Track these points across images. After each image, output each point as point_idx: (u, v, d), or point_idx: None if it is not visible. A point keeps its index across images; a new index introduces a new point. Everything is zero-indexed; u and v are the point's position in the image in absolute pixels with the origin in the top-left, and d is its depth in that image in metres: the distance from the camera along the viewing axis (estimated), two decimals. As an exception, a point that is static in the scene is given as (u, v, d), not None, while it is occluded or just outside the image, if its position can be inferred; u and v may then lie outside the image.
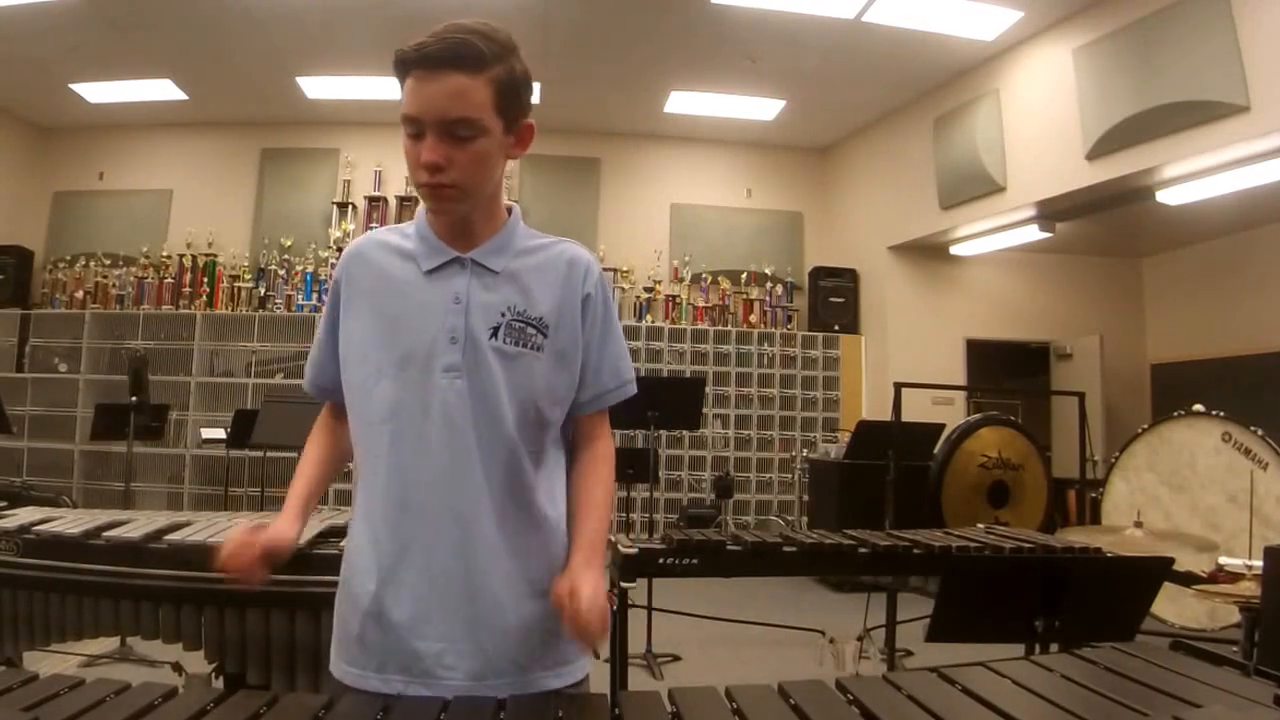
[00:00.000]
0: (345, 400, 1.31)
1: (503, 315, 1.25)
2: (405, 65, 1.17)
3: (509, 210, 1.34)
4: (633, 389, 1.38)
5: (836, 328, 8.06)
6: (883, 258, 7.84)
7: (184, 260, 7.77)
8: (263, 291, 7.71)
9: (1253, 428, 4.26)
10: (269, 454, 5.94)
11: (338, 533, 2.05)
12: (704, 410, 6.97)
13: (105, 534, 1.95)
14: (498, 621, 1.22)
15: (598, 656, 1.27)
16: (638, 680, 3.73)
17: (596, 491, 1.31)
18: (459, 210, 1.24)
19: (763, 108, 7.63)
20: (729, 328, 7.94)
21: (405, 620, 1.21)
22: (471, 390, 1.23)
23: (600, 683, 2.37)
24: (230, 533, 1.19)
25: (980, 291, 7.99)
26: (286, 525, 1.26)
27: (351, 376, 1.29)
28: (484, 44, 1.17)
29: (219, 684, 1.89)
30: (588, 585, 1.15)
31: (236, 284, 7.72)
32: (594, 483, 1.32)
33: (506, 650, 1.22)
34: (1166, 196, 5.64)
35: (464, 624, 1.21)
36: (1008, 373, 8.43)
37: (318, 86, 7.29)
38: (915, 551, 2.41)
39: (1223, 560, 2.91)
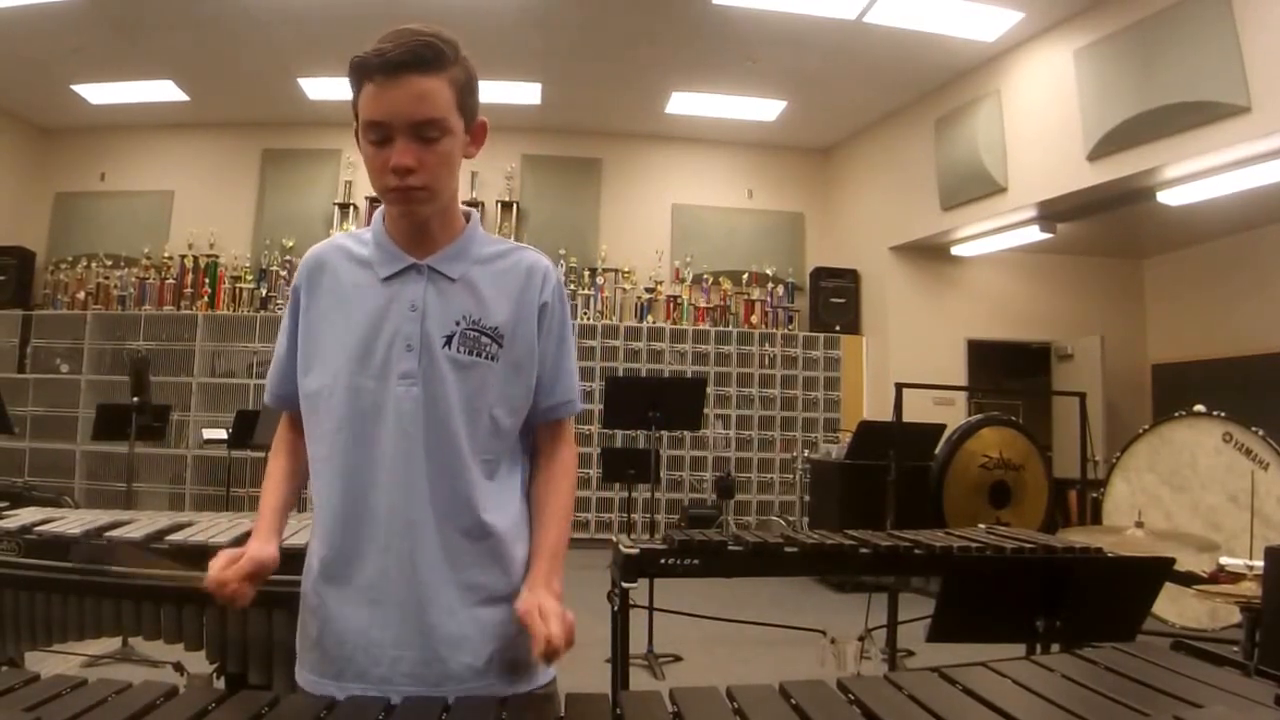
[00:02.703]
0: (301, 408, 1.31)
1: (457, 324, 1.25)
2: (366, 71, 1.17)
3: (467, 216, 1.34)
4: (579, 406, 1.38)
5: (837, 328, 8.06)
6: (884, 258, 7.84)
7: (185, 261, 7.79)
8: (264, 292, 7.72)
9: (1254, 428, 4.25)
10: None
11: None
12: (705, 411, 6.96)
13: (107, 534, 1.95)
14: (452, 628, 1.22)
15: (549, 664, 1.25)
16: (639, 680, 3.73)
17: (557, 502, 1.32)
18: (426, 212, 1.24)
19: (764, 108, 7.63)
20: (730, 328, 7.95)
21: (360, 629, 1.22)
22: (426, 398, 1.23)
23: (602, 683, 2.38)
24: (214, 560, 1.19)
25: (981, 292, 7.98)
26: (263, 543, 1.25)
27: (308, 383, 1.29)
28: (443, 45, 1.18)
29: (220, 684, 1.89)
30: (553, 602, 1.17)
31: (238, 285, 7.74)
32: (554, 493, 1.33)
33: (461, 656, 1.22)
34: (1167, 197, 5.64)
35: (417, 632, 1.21)
36: (1009, 373, 8.43)
37: (319, 87, 7.30)
38: (916, 552, 2.41)
39: (1223, 560, 2.91)
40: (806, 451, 7.56)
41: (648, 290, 8.05)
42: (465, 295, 1.27)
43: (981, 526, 2.83)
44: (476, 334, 1.26)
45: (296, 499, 1.37)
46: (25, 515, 2.10)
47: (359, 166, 8.01)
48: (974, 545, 2.42)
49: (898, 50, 6.31)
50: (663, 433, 5.10)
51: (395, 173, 1.18)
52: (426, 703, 1.10)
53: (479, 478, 1.26)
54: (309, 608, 1.28)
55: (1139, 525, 3.08)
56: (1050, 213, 6.44)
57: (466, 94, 1.23)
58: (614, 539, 2.44)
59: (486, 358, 1.26)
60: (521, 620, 1.17)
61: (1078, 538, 2.68)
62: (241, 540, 1.92)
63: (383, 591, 1.21)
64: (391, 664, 1.21)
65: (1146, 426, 4.76)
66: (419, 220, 1.26)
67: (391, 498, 1.22)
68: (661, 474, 6.68)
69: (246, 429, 5.46)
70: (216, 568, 1.18)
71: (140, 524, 2.03)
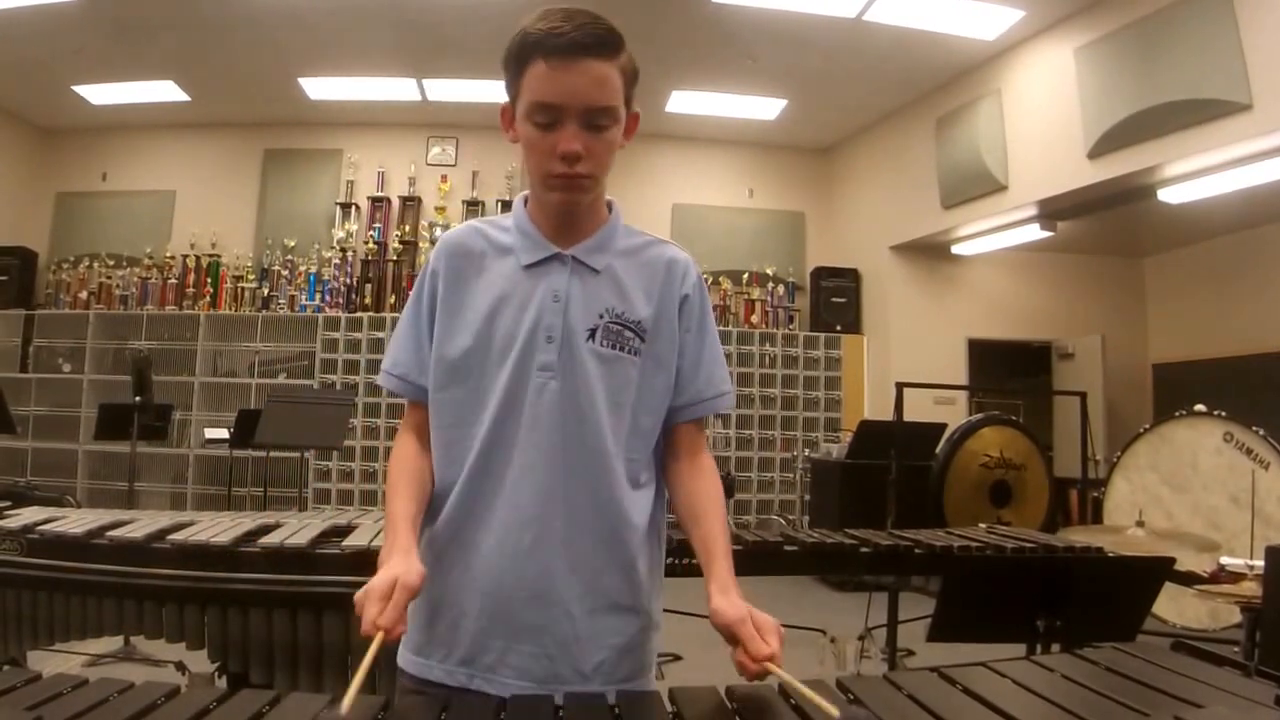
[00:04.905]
0: (429, 397, 1.26)
1: (601, 317, 1.21)
2: (542, 49, 1.12)
3: (609, 206, 1.30)
4: (730, 401, 1.32)
5: (838, 328, 8.06)
6: (884, 257, 7.84)
7: (187, 261, 7.80)
8: (266, 292, 7.72)
9: (1254, 428, 4.25)
10: (272, 454, 5.95)
11: (340, 533, 2.06)
12: (706, 410, 6.96)
13: (109, 534, 1.95)
14: (567, 631, 1.19)
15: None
16: (640, 680, 3.73)
17: (716, 503, 1.27)
18: (586, 201, 1.21)
19: (764, 107, 7.63)
20: (731, 328, 7.94)
21: (473, 616, 1.19)
22: (564, 391, 1.19)
23: (602, 682, 2.37)
24: (360, 596, 1.04)
25: (982, 291, 7.98)
26: (405, 557, 1.11)
27: (441, 372, 1.25)
28: (614, 29, 1.15)
29: (222, 683, 1.90)
30: (765, 615, 1.10)
31: (240, 284, 7.74)
32: (711, 495, 1.27)
33: (571, 660, 1.19)
34: (1168, 195, 5.63)
35: (531, 628, 1.19)
36: (1009, 372, 8.42)
37: (320, 87, 7.30)
38: (917, 551, 2.41)
39: (1224, 560, 2.90)
40: (807, 451, 7.56)
41: (649, 290, 8.04)
42: (608, 287, 1.23)
43: (982, 526, 2.83)
44: (620, 327, 1.22)
45: (425, 507, 1.24)
46: (27, 515, 2.11)
47: (360, 166, 8.02)
48: (974, 545, 2.42)
49: (898, 49, 6.31)
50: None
51: (564, 159, 1.14)
52: (427, 702, 1.10)
53: (622, 479, 1.22)
54: (424, 591, 1.17)
55: (1140, 525, 3.08)
56: (1051, 211, 6.43)
57: (632, 83, 1.19)
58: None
59: (629, 352, 1.22)
60: (732, 630, 1.08)
61: (1078, 537, 2.68)
62: (242, 540, 1.94)
63: (500, 585, 1.19)
64: (500, 656, 1.19)
65: (1147, 426, 4.76)
66: (575, 209, 1.22)
67: (517, 491, 1.19)
68: (662, 473, 6.66)
69: (248, 429, 5.45)
70: (374, 612, 1.01)
71: (142, 523, 2.04)
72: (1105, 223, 6.89)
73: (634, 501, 1.24)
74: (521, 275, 1.23)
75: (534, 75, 1.13)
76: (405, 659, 1.25)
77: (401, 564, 1.08)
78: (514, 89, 1.18)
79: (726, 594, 1.15)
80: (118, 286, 7.79)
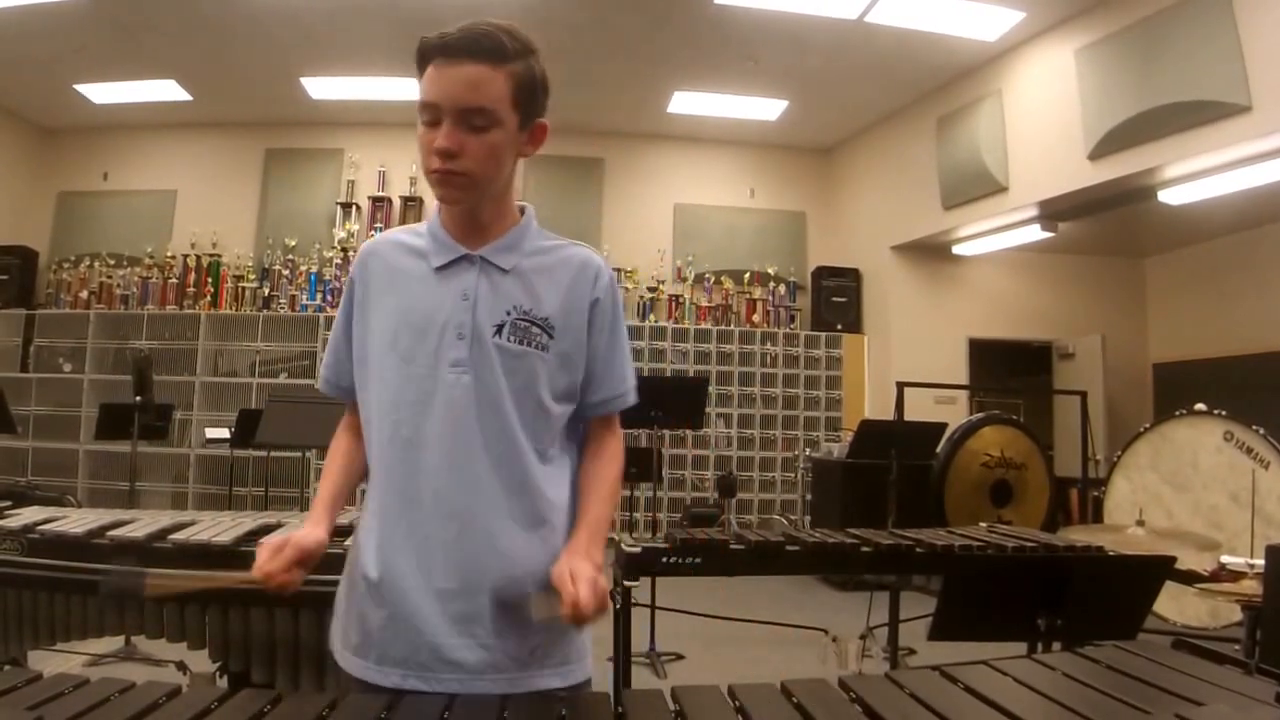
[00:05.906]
0: (357, 397, 1.34)
1: (508, 313, 1.26)
2: (427, 53, 1.20)
3: (522, 211, 1.36)
4: (633, 398, 1.38)
5: (839, 327, 8.06)
6: (885, 257, 7.84)
7: (188, 260, 7.80)
8: (267, 291, 7.73)
9: (1254, 427, 4.25)
10: (273, 453, 5.95)
11: (342, 532, 2.06)
12: (707, 410, 6.96)
13: (110, 533, 1.95)
14: (499, 618, 1.22)
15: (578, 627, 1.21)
16: (641, 679, 3.73)
17: (603, 479, 1.34)
18: (466, 200, 1.26)
19: (766, 108, 7.63)
20: (732, 327, 7.95)
21: (404, 614, 1.22)
22: (476, 386, 1.24)
23: (603, 681, 2.38)
24: (259, 551, 1.19)
25: (983, 291, 7.98)
26: (311, 528, 1.26)
27: (363, 373, 1.31)
28: (506, 38, 1.20)
29: (223, 683, 1.90)
30: (586, 566, 1.16)
31: (240, 284, 7.74)
32: (599, 474, 1.34)
33: (506, 647, 1.22)
34: (1168, 196, 5.63)
35: (462, 619, 1.21)
36: (1010, 372, 8.43)
37: (322, 87, 7.30)
38: (918, 550, 2.41)
39: (1224, 559, 2.90)
40: (808, 450, 7.56)
41: (650, 289, 8.05)
42: (516, 286, 1.28)
43: (983, 525, 2.83)
44: (527, 324, 1.27)
45: (352, 490, 1.38)
46: (28, 515, 2.10)
47: (361, 166, 8.02)
48: (975, 544, 2.41)
49: (899, 50, 6.31)
50: (665, 432, 5.10)
51: (438, 155, 1.20)
52: (429, 699, 1.10)
53: (534, 466, 1.27)
54: (353, 591, 1.29)
55: (1140, 524, 3.08)
56: (1051, 212, 6.44)
57: (526, 91, 1.24)
58: (616, 537, 2.44)
59: (536, 347, 1.27)
60: (553, 582, 1.16)
61: (1079, 536, 2.68)
62: (243, 540, 1.94)
63: (428, 579, 1.22)
64: (434, 652, 1.21)
65: (1147, 425, 4.76)
66: (464, 206, 1.27)
67: (440, 485, 1.22)
68: (663, 473, 6.68)
69: (249, 428, 5.46)
70: (262, 559, 1.18)
71: (143, 523, 2.04)
72: (1106, 223, 6.89)
73: (548, 478, 1.29)
74: (434, 277, 1.29)
75: (425, 78, 1.22)
76: (346, 659, 1.28)
77: (303, 529, 1.24)
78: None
79: (569, 556, 1.21)
80: (118, 286, 7.79)
